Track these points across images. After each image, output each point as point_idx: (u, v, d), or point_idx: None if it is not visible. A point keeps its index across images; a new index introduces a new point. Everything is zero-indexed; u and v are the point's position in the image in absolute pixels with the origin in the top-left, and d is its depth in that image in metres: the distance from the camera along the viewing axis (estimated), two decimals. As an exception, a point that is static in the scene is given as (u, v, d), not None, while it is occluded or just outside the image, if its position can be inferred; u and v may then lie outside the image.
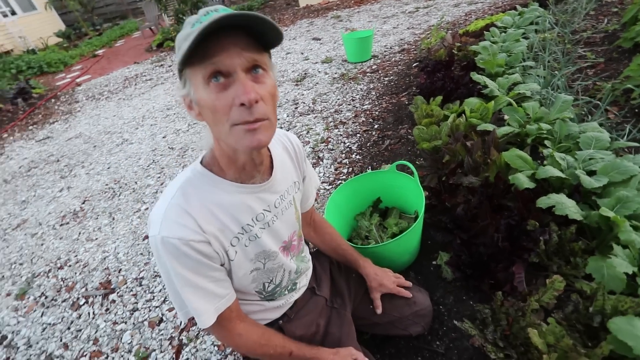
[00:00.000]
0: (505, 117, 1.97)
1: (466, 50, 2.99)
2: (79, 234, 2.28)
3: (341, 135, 2.64)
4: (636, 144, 1.44)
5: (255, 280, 0.81)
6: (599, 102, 1.99)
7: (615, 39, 2.92)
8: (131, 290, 1.74)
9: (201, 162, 0.72)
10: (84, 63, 7.66)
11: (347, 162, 2.30)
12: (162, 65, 5.94)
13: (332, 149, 2.49)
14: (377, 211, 1.56)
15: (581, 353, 0.88)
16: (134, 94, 4.82)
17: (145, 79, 5.35)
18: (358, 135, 2.58)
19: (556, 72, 2.39)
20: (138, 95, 4.71)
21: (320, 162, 2.37)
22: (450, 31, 4.06)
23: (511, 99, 2.04)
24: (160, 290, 1.69)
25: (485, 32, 3.28)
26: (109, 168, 3.04)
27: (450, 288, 1.29)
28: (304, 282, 0.98)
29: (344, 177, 2.18)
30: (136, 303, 1.66)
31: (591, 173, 1.38)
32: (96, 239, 2.19)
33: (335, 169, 2.27)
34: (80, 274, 1.94)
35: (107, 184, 2.79)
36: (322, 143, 2.59)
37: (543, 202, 1.23)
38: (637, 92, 1.99)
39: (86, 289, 1.82)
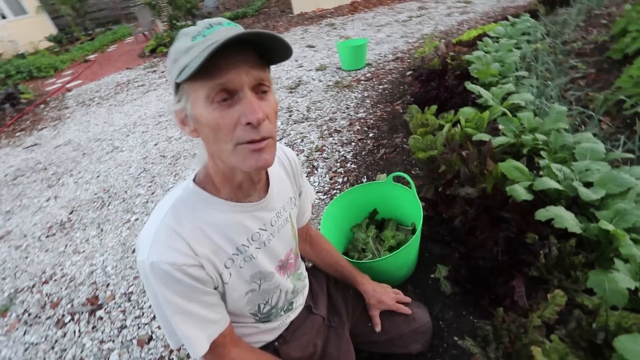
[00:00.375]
0: (500, 127, 1.97)
1: (460, 60, 3.01)
2: (66, 246, 2.21)
3: (336, 143, 2.62)
4: (631, 156, 1.45)
5: (250, 302, 0.77)
6: (592, 112, 2.00)
7: (604, 50, 2.98)
8: (119, 306, 1.67)
9: (194, 180, 0.69)
10: (75, 68, 7.55)
11: (342, 172, 2.27)
12: (154, 71, 5.88)
13: (327, 158, 2.47)
14: (373, 222, 1.53)
15: (586, 373, 0.85)
16: (126, 100, 4.76)
17: (138, 85, 5.29)
18: (353, 143, 2.56)
19: (549, 82, 2.41)
20: (130, 102, 4.64)
21: (315, 171, 2.34)
22: (443, 40, 4.10)
23: (505, 108, 2.05)
24: (149, 307, 1.63)
25: (478, 41, 3.32)
26: (98, 177, 2.97)
27: (449, 302, 1.27)
28: (300, 301, 0.95)
29: (339, 186, 2.15)
30: (124, 320, 1.60)
31: (588, 185, 1.37)
32: (83, 251, 2.12)
33: (330, 179, 2.24)
34: (66, 289, 1.87)
35: (96, 194, 2.72)
36: (317, 152, 2.57)
37: (542, 214, 1.21)
38: (629, 103, 2.02)
39: (72, 305, 1.75)
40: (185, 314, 0.64)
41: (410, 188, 1.37)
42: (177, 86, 0.57)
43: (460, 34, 4.50)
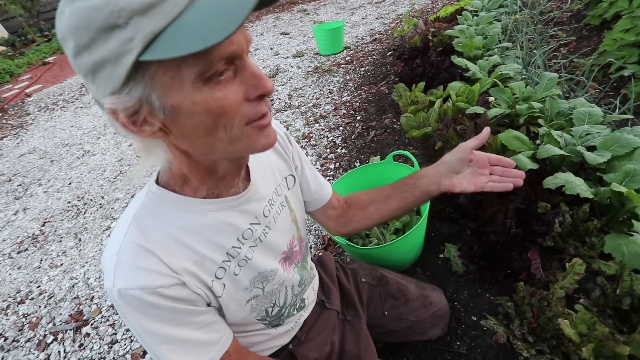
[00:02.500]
0: (491, 98, 1.93)
1: (441, 36, 2.95)
2: (41, 260, 2.03)
3: (323, 129, 2.52)
4: (630, 116, 1.43)
5: (255, 309, 0.65)
6: (580, 78, 1.99)
7: (581, 17, 2.99)
8: (107, 320, 1.54)
9: (156, 182, 0.55)
10: (33, 72, 7.04)
11: (333, 157, 2.18)
12: (121, 69, 5.55)
13: (316, 145, 2.37)
14: (375, 206, 1.45)
15: (619, 340, 0.81)
16: (92, 101, 4.46)
17: (104, 85, 4.98)
18: (341, 128, 2.47)
19: (534, 51, 2.39)
20: (97, 103, 4.36)
21: (305, 159, 2.24)
22: (421, 18, 4.03)
23: (495, 80, 2.00)
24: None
25: (458, 16, 3.27)
26: (70, 184, 2.75)
27: (462, 282, 1.21)
28: (312, 297, 0.85)
29: (332, 172, 2.06)
30: (115, 334, 1.47)
31: (591, 148, 1.34)
32: (61, 264, 1.95)
33: (322, 165, 2.15)
34: (45, 307, 1.71)
35: (69, 202, 2.52)
36: (304, 139, 2.46)
37: (551, 182, 1.17)
38: (615, 66, 2.01)
39: (54, 324, 1.60)
40: (173, 342, 0.52)
41: (412, 166, 1.29)
42: (131, 70, 0.36)
43: (436, 11, 4.44)
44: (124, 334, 1.46)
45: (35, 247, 2.15)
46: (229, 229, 0.57)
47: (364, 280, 1.00)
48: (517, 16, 3.12)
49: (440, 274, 1.27)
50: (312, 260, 0.93)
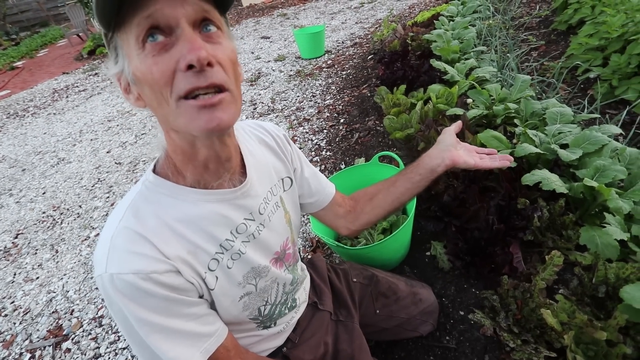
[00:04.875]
0: (469, 100, 1.99)
1: (420, 40, 3.03)
2: (14, 274, 1.93)
3: (307, 132, 2.54)
4: (597, 116, 1.51)
5: (247, 307, 0.65)
6: (551, 80, 2.09)
7: (549, 23, 3.15)
8: (89, 334, 1.48)
9: (154, 170, 0.56)
10: (1, 77, 6.71)
11: (318, 160, 2.19)
12: (96, 74, 5.37)
13: (300, 148, 2.38)
14: (362, 207, 1.47)
15: (597, 327, 0.86)
16: (67, 107, 4.30)
17: (78, 90, 4.80)
18: (325, 131, 2.49)
19: (507, 55, 2.50)
20: (71, 109, 4.20)
21: (290, 163, 2.24)
22: (399, 23, 4.13)
23: (472, 82, 2.08)
24: (126, 328, 1.46)
25: (435, 21, 3.37)
26: (44, 193, 2.63)
27: (449, 278, 1.25)
28: (303, 297, 0.85)
29: (318, 175, 2.07)
30: (98, 348, 1.41)
31: (563, 146, 1.41)
32: (37, 278, 1.86)
33: (307, 168, 2.15)
34: (20, 323, 1.62)
35: (44, 212, 2.41)
36: (289, 143, 2.46)
37: (529, 179, 1.22)
38: (582, 69, 2.13)
39: (30, 341, 1.52)
40: (167, 332, 0.51)
41: (398, 167, 1.32)
42: (109, 41, 0.45)
43: (413, 16, 4.56)
44: (107, 348, 1.40)
45: (8, 260, 2.04)
46: (223, 221, 0.57)
47: (355, 280, 1.01)
48: (491, 21, 3.25)
49: (427, 272, 1.30)
50: (303, 262, 0.93)
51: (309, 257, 1.41)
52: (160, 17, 0.41)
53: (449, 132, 0.81)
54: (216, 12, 0.46)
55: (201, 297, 0.57)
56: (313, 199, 0.81)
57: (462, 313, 1.14)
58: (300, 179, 0.78)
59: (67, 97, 4.67)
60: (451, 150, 0.77)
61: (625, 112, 1.59)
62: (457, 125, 0.80)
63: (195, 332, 0.54)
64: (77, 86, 5.01)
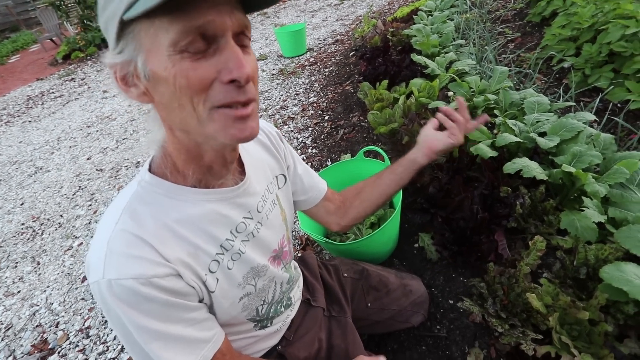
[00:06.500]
0: (451, 93, 2.03)
1: (400, 35, 3.06)
2: (-6, 289, 1.86)
3: (292, 131, 2.53)
4: (572, 104, 1.56)
5: (247, 308, 0.65)
6: (527, 71, 2.14)
7: (523, 15, 3.23)
8: (76, 346, 1.44)
9: (149, 170, 0.54)
10: (-31, 86, 6.43)
11: (305, 158, 2.19)
12: (72, 79, 5.21)
13: (286, 147, 2.37)
14: (349, 203, 1.48)
15: (580, 307, 0.89)
16: (42, 114, 4.16)
17: (54, 97, 4.65)
18: (310, 128, 2.49)
19: (485, 47, 2.54)
20: (48, 116, 4.06)
21: (276, 162, 2.23)
22: (379, 19, 4.15)
23: (452, 75, 2.11)
24: (115, 338, 1.43)
25: (414, 16, 3.40)
26: (22, 204, 2.54)
27: (437, 268, 1.27)
28: (298, 295, 0.86)
29: (304, 173, 2.07)
30: (86, 359, 1.38)
31: (542, 134, 1.45)
32: (18, 291, 1.80)
33: (294, 167, 2.15)
34: (2, 339, 1.57)
35: (23, 223, 2.33)
36: (274, 142, 2.45)
37: (510, 167, 1.25)
38: (556, 59, 2.19)
39: (14, 357, 1.47)
40: (165, 339, 0.50)
41: (383, 161, 1.33)
42: (121, 28, 0.41)
43: (393, 12, 4.60)
44: (96, 359, 1.37)
45: (-14, 275, 1.97)
46: (223, 221, 0.57)
47: (346, 275, 1.02)
48: (468, 15, 3.30)
49: (416, 263, 1.32)
50: (294, 259, 0.93)
51: (299, 254, 1.40)
52: (211, 29, 0.40)
53: (427, 126, 0.84)
54: (249, 22, 0.47)
55: (201, 301, 0.56)
56: (306, 196, 0.82)
57: (451, 302, 1.16)
58: (294, 176, 0.78)
59: (42, 103, 4.51)
60: (428, 139, 0.81)
61: (598, 99, 1.65)
62: (433, 122, 0.83)
63: (194, 338, 0.53)
64: (52, 92, 4.84)
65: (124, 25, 0.41)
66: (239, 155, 0.63)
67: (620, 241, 0.95)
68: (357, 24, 4.55)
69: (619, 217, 1.09)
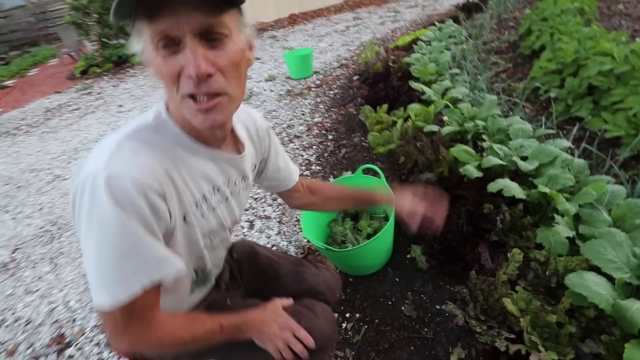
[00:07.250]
0: (445, 118, 2.20)
1: (400, 63, 3.27)
2: (14, 287, 1.98)
3: (297, 148, 2.69)
4: (552, 131, 1.72)
5: (197, 261, 0.71)
6: (516, 99, 2.32)
7: (516, 47, 3.45)
8: (92, 340, 1.55)
9: (167, 109, 0.61)
10: (-11, 97, 6.72)
11: (309, 174, 2.35)
12: (89, 93, 5.47)
13: (291, 163, 2.52)
14: (348, 215, 1.62)
15: (548, 311, 1.01)
16: (60, 125, 4.36)
17: (72, 109, 4.88)
18: (314, 147, 2.66)
19: (478, 76, 2.74)
20: (65, 127, 4.27)
21: (282, 177, 2.38)
22: (382, 46, 4.40)
23: (447, 102, 2.29)
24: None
25: (414, 45, 3.63)
26: (41, 209, 2.69)
27: (427, 277, 1.39)
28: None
29: (308, 188, 2.22)
30: (100, 353, 1.49)
31: (524, 158, 1.60)
32: (37, 290, 1.92)
33: (298, 182, 2.30)
34: (22, 333, 1.68)
35: (41, 227, 2.47)
36: (280, 158, 2.61)
37: (493, 187, 1.39)
38: (543, 89, 2.37)
39: (33, 350, 1.58)
40: (144, 247, 0.53)
41: (379, 178, 1.48)
42: (132, 25, 0.52)
43: (395, 39, 4.86)
44: (110, 352, 1.48)
45: (7, 274, 2.09)
46: (207, 178, 0.65)
47: (236, 256, 0.99)
48: (464, 45, 3.53)
49: (408, 272, 1.44)
50: None
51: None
52: (170, 32, 0.48)
53: (414, 200, 0.98)
54: (226, 14, 0.51)
55: (165, 231, 0.58)
56: (278, 183, 0.93)
57: (438, 307, 1.28)
58: (274, 165, 0.88)
59: (60, 115, 4.74)
60: (410, 215, 0.96)
61: (576, 128, 1.80)
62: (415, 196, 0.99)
63: (167, 256, 0.56)
64: (70, 105, 5.08)
65: (134, 23, 0.51)
66: (237, 134, 0.73)
67: (585, 254, 1.08)
68: (361, 50, 4.81)
69: (587, 233, 1.22)
